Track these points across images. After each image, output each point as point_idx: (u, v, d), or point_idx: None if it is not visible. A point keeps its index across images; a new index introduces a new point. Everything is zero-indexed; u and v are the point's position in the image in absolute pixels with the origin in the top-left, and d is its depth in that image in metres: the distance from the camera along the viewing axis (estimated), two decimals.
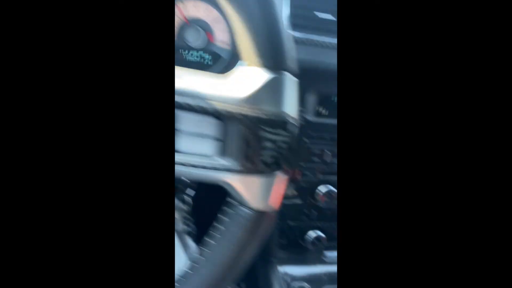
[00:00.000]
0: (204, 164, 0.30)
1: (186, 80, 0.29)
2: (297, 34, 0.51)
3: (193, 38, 0.46)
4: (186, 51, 0.47)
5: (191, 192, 0.61)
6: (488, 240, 0.22)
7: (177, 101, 0.28)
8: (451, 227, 0.23)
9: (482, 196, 0.22)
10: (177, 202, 0.58)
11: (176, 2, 0.47)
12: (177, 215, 0.58)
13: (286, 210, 0.59)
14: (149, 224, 0.24)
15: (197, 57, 0.48)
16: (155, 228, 0.24)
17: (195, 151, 0.30)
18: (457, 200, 0.23)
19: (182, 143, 0.30)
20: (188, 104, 0.29)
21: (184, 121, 0.30)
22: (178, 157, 0.30)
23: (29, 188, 0.22)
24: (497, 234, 0.22)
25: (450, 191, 0.23)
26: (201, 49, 0.47)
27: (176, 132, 0.30)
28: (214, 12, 0.47)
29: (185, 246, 0.57)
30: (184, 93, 0.29)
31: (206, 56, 0.48)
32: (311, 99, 0.55)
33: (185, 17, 0.47)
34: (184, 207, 0.59)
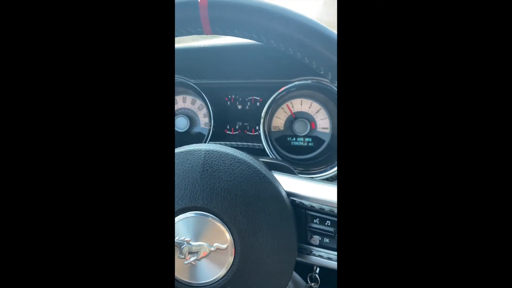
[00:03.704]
0: None
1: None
2: None
3: (300, 129, 0.63)
4: (294, 139, 0.64)
5: None
6: (483, 231, 0.22)
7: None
8: (446, 226, 0.22)
9: (479, 187, 0.22)
10: None
11: (285, 102, 0.62)
12: None
13: None
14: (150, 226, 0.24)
15: (301, 142, 0.65)
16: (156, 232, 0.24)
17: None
18: (452, 193, 0.22)
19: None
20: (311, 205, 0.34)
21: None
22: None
23: (31, 184, 0.22)
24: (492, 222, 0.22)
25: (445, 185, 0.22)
26: (305, 135, 0.64)
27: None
28: (316, 105, 0.64)
29: None
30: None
31: (309, 139, 0.64)
32: None
33: (292, 113, 0.65)
34: None
